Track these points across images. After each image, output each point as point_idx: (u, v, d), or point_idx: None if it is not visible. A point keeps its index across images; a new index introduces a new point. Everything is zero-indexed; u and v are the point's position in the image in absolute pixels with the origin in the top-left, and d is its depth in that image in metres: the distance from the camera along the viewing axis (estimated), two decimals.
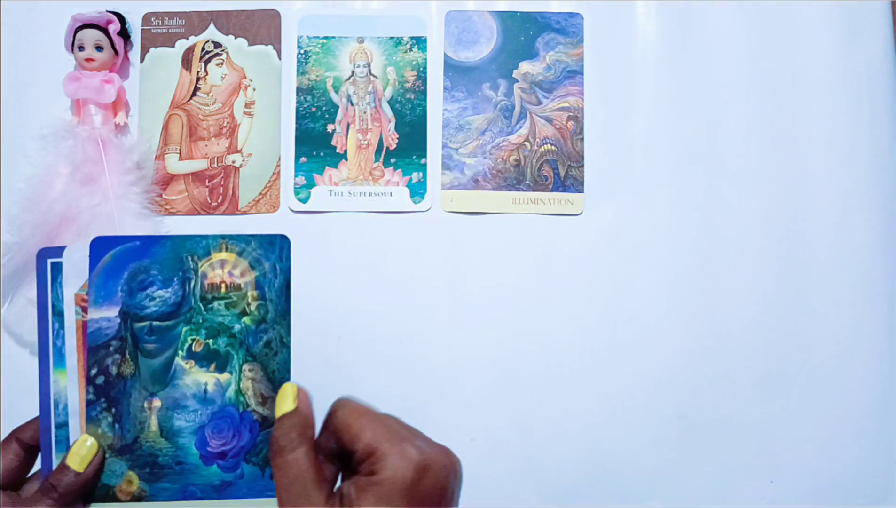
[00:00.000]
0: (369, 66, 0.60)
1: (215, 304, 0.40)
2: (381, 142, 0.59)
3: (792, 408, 0.57)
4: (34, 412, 0.57)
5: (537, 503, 0.56)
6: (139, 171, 0.56)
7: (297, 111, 0.59)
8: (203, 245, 0.40)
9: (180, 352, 0.40)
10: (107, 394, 0.40)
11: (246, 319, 0.40)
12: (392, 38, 0.60)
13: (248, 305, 0.40)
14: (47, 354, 0.40)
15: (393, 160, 0.59)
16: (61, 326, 0.40)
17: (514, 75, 0.60)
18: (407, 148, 0.59)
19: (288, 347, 0.41)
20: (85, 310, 0.40)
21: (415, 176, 0.59)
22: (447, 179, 0.59)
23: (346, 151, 0.59)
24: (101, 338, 0.39)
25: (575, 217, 0.59)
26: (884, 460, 0.57)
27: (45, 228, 0.54)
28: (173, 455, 0.40)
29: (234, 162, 0.59)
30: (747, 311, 0.58)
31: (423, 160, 0.59)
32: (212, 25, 0.60)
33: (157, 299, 0.40)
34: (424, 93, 0.60)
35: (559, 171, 0.59)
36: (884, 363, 0.57)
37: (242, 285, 0.40)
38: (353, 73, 0.60)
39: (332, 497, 0.34)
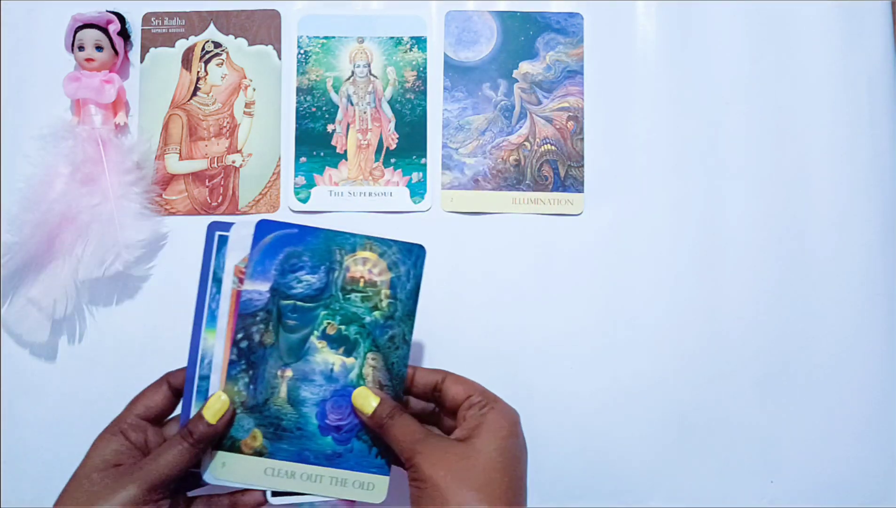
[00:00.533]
0: (369, 66, 0.60)
1: (353, 295, 0.46)
2: (381, 142, 0.59)
3: (792, 408, 0.57)
4: (34, 412, 0.58)
5: (537, 503, 0.56)
6: (139, 171, 0.56)
7: (297, 111, 0.59)
8: (351, 242, 0.46)
9: (316, 332, 0.45)
10: (247, 358, 0.45)
11: (376, 313, 0.46)
12: (392, 38, 0.60)
13: (381, 301, 0.46)
14: (202, 314, 0.45)
15: (393, 160, 0.59)
16: (218, 291, 0.46)
17: (514, 75, 0.60)
18: (407, 148, 0.59)
19: (409, 344, 0.46)
20: (241, 281, 0.45)
21: (415, 176, 0.59)
22: (447, 179, 0.59)
23: (346, 151, 0.59)
24: (251, 308, 0.45)
25: (575, 217, 0.59)
26: (884, 460, 0.57)
27: (45, 228, 0.54)
28: (296, 421, 0.45)
29: (234, 162, 0.59)
30: (747, 311, 0.58)
31: (423, 160, 0.59)
32: (212, 25, 0.60)
33: (304, 283, 0.45)
34: (424, 93, 0.60)
35: (559, 171, 0.59)
36: (884, 363, 0.57)
37: (378, 283, 0.46)
38: (353, 73, 0.60)
39: (445, 436, 0.43)
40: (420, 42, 0.60)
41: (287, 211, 0.58)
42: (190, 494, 0.46)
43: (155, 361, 0.57)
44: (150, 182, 0.57)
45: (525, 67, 0.60)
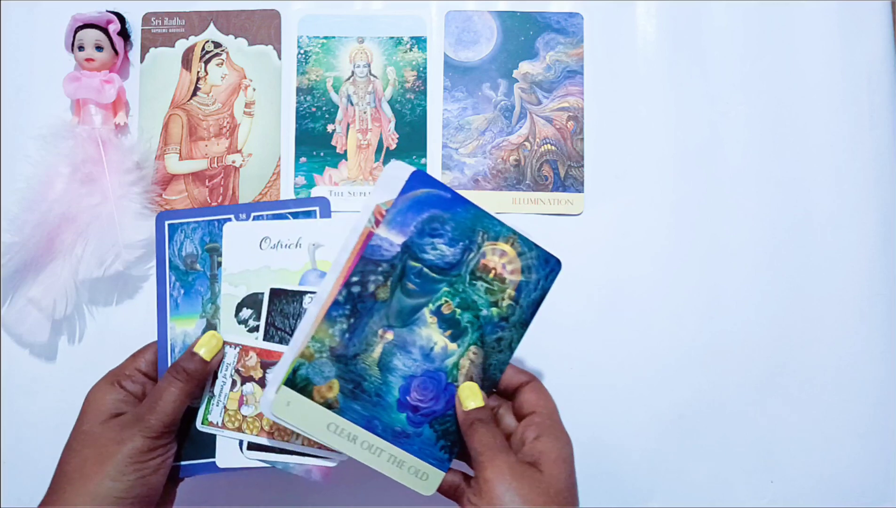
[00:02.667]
0: (369, 66, 0.60)
1: (479, 283, 0.44)
2: (381, 142, 0.59)
3: (792, 408, 0.57)
4: (34, 412, 0.57)
5: None
6: (139, 171, 0.56)
7: (297, 111, 0.59)
8: (497, 229, 0.44)
9: (431, 306, 0.43)
10: (354, 304, 0.42)
11: (494, 310, 0.44)
12: (392, 38, 0.60)
13: (503, 300, 0.44)
14: (165, 303, 0.46)
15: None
16: (177, 279, 0.46)
17: (514, 75, 0.60)
18: (407, 148, 0.59)
19: (512, 352, 0.44)
20: (377, 223, 0.42)
21: None
22: (447, 179, 0.59)
23: (346, 151, 0.59)
24: (376, 254, 0.42)
25: (575, 217, 0.59)
26: (884, 460, 0.57)
27: (45, 228, 0.54)
28: (378, 387, 0.43)
29: (234, 162, 0.59)
30: (747, 311, 0.58)
31: (423, 160, 0.59)
32: (212, 25, 0.60)
33: (439, 252, 0.43)
34: (424, 93, 0.60)
35: (559, 171, 0.59)
36: (884, 364, 0.57)
37: (507, 281, 0.44)
38: (353, 73, 0.60)
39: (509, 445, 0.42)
40: (420, 42, 0.60)
41: None
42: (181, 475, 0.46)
43: None
44: (150, 182, 0.57)
45: (525, 67, 0.60)
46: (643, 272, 0.58)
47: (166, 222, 0.47)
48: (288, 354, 0.42)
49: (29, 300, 0.55)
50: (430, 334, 0.43)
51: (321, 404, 0.42)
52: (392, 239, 0.42)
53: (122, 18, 0.58)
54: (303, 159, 0.59)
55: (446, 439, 0.43)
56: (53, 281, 0.55)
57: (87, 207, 0.55)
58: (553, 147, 0.59)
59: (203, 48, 0.60)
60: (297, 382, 0.42)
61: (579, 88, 0.59)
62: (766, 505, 0.56)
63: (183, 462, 0.45)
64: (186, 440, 0.45)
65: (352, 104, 0.59)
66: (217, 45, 0.60)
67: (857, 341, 0.57)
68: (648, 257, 0.58)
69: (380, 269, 0.42)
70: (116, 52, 0.57)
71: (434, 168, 0.59)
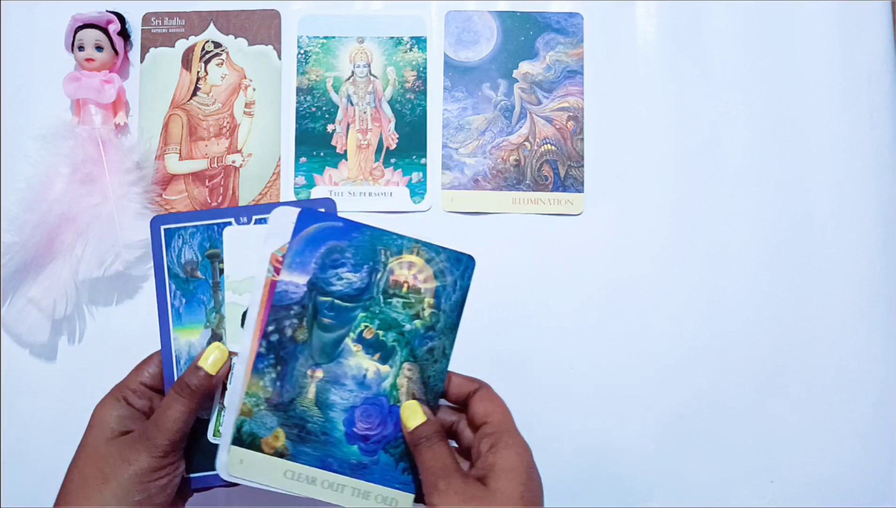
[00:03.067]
0: (369, 66, 0.60)
1: (394, 300, 0.43)
2: (381, 142, 0.59)
3: (792, 408, 0.57)
4: (34, 412, 0.58)
5: None
6: (139, 171, 0.56)
7: (297, 111, 0.59)
8: (398, 243, 0.43)
9: (352, 334, 0.43)
10: (277, 352, 0.42)
11: (417, 322, 0.43)
12: (392, 38, 0.60)
13: (423, 310, 0.43)
14: (167, 313, 0.45)
15: (393, 160, 0.59)
16: (178, 287, 0.45)
17: (514, 75, 0.60)
18: (407, 148, 0.59)
19: (448, 359, 0.43)
20: (277, 271, 0.42)
21: (415, 176, 0.59)
22: (447, 179, 0.59)
23: (346, 151, 0.59)
24: (285, 300, 0.42)
25: (575, 217, 0.59)
26: (884, 460, 0.57)
27: (45, 228, 0.54)
28: (322, 425, 0.42)
29: (234, 162, 0.59)
30: (747, 311, 0.58)
31: (423, 160, 0.59)
32: (212, 25, 0.60)
33: (345, 281, 0.43)
34: (424, 93, 0.60)
35: (559, 171, 0.59)
36: (884, 363, 0.57)
37: (423, 291, 0.43)
38: (353, 73, 0.60)
39: (468, 473, 0.40)
40: (420, 42, 0.60)
41: None
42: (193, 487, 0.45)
43: None
44: (150, 182, 0.57)
45: (525, 67, 0.60)
46: (643, 272, 0.58)
47: (162, 227, 0.45)
48: (228, 415, 0.42)
49: (29, 300, 0.55)
50: (359, 362, 0.43)
51: (272, 454, 0.42)
52: (296, 281, 0.42)
53: (122, 18, 0.58)
54: (303, 159, 0.59)
55: (405, 461, 0.42)
56: (53, 281, 0.55)
57: (87, 207, 0.55)
58: (553, 147, 0.59)
59: (203, 48, 0.60)
60: (244, 439, 0.42)
61: (579, 88, 0.59)
62: (766, 505, 0.56)
63: (192, 475, 0.44)
64: (197, 452, 0.44)
65: (352, 104, 0.59)
66: (217, 45, 0.60)
67: (857, 341, 0.57)
68: (648, 257, 0.58)
69: (292, 313, 0.42)
70: (116, 52, 0.57)
71: (434, 168, 0.59)
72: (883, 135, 0.59)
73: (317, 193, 0.58)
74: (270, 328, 0.42)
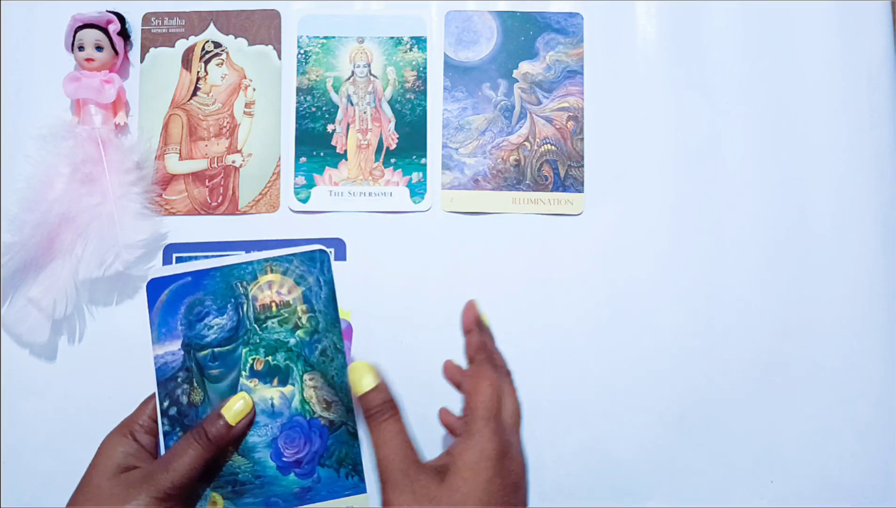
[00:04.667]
0: (369, 66, 0.60)
1: (269, 323, 0.43)
2: (381, 142, 0.59)
3: (792, 408, 0.57)
4: (34, 412, 0.58)
5: (537, 503, 0.56)
6: (139, 171, 0.56)
7: (297, 111, 0.59)
8: (250, 271, 0.43)
9: (244, 372, 0.42)
10: (181, 423, 0.42)
11: (300, 332, 0.43)
12: (392, 38, 0.60)
13: (300, 318, 0.43)
14: None
15: (393, 160, 0.59)
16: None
17: (514, 75, 0.60)
18: (407, 148, 0.59)
19: (342, 352, 0.43)
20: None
21: (415, 176, 0.59)
22: (447, 179, 0.59)
23: (346, 151, 0.59)
24: (168, 372, 0.42)
25: (575, 217, 0.59)
26: (884, 460, 0.57)
27: (45, 228, 0.54)
28: (252, 471, 0.42)
29: (234, 162, 0.59)
30: (747, 310, 0.58)
31: (423, 160, 0.59)
32: (212, 25, 0.60)
33: (215, 327, 0.42)
34: (424, 93, 0.60)
35: (559, 171, 0.59)
36: (884, 363, 0.57)
37: (291, 302, 0.43)
38: (353, 73, 0.60)
39: (426, 465, 0.37)
40: (420, 42, 0.60)
41: (287, 211, 0.58)
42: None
43: None
44: (150, 182, 0.57)
45: (525, 67, 0.60)
46: (643, 272, 0.58)
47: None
48: None
49: (29, 300, 0.55)
50: (261, 394, 0.42)
51: None
52: (170, 349, 0.42)
53: (122, 18, 0.58)
54: (303, 159, 0.59)
55: (345, 466, 0.42)
56: (53, 281, 0.55)
57: (87, 207, 0.55)
58: (553, 147, 0.59)
59: (203, 48, 0.60)
60: None
61: (579, 88, 0.59)
62: (766, 505, 0.56)
63: None
64: None
65: (352, 104, 0.59)
66: (217, 45, 0.60)
67: (857, 340, 0.57)
68: (648, 257, 0.58)
69: (179, 379, 0.42)
70: (116, 52, 0.57)
71: (434, 168, 0.59)
72: (883, 135, 0.59)
73: (317, 193, 0.58)
74: (165, 404, 0.42)
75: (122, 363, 0.57)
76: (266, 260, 0.43)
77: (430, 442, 0.56)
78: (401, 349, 0.57)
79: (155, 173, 0.58)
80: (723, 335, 0.57)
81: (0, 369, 0.57)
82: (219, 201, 0.58)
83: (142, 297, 0.57)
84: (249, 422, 0.41)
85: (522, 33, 0.60)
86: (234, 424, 0.41)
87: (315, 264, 0.43)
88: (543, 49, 0.60)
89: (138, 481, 0.39)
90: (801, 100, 0.59)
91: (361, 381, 0.39)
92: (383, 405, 0.39)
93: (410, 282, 0.57)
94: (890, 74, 0.59)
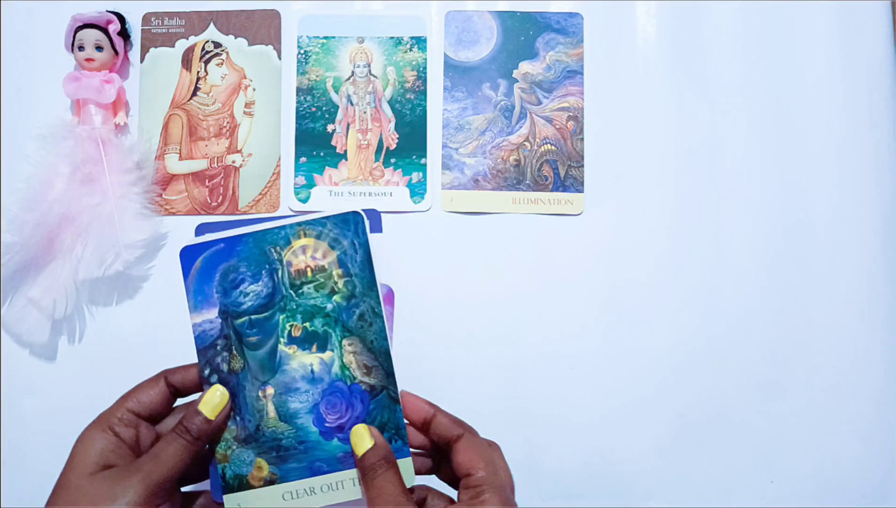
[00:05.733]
0: (369, 66, 0.60)
1: (305, 288, 0.42)
2: (381, 142, 0.59)
3: (792, 408, 0.57)
4: (34, 412, 0.57)
5: (537, 503, 0.56)
6: (139, 171, 0.56)
7: (297, 111, 0.59)
8: (283, 235, 0.42)
9: (282, 339, 0.42)
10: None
11: (336, 297, 0.43)
12: (392, 38, 0.60)
13: (336, 283, 0.43)
14: None
15: (393, 160, 0.59)
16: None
17: (514, 75, 0.60)
18: (407, 148, 0.59)
19: (381, 316, 0.43)
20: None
21: (415, 176, 0.59)
22: (447, 179, 0.59)
23: (346, 151, 0.59)
24: (207, 340, 0.42)
25: (575, 217, 0.59)
26: (884, 460, 0.57)
27: (45, 228, 0.54)
28: (295, 436, 0.42)
29: (234, 162, 0.59)
30: (747, 311, 0.58)
31: (423, 160, 0.59)
32: (212, 25, 0.60)
33: (251, 294, 0.42)
34: (424, 93, 0.60)
35: (559, 171, 0.59)
36: (884, 364, 0.57)
37: (327, 266, 0.42)
38: (353, 73, 0.60)
39: None
40: (420, 42, 0.60)
41: (287, 211, 0.58)
42: (184, 489, 0.44)
43: (155, 361, 0.57)
44: (150, 182, 0.57)
45: (525, 67, 0.60)
46: (643, 272, 0.58)
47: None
48: (211, 469, 0.42)
49: (29, 300, 0.55)
50: (301, 361, 0.42)
51: (263, 485, 0.42)
52: (207, 318, 0.42)
53: (122, 18, 0.58)
54: (303, 159, 0.59)
55: (388, 430, 0.42)
56: (53, 281, 0.55)
57: (87, 207, 0.55)
58: (553, 147, 0.59)
59: (203, 48, 0.60)
60: (232, 484, 0.42)
61: (579, 88, 0.59)
62: (766, 505, 0.56)
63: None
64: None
65: (352, 104, 0.59)
66: (217, 45, 0.60)
67: (857, 341, 0.57)
68: (648, 257, 0.58)
69: (218, 347, 0.42)
70: (116, 52, 0.57)
71: (434, 168, 0.59)
72: (883, 135, 0.59)
73: (317, 193, 0.58)
74: (206, 372, 0.42)
75: (122, 363, 0.57)
76: (299, 224, 0.42)
77: None
78: (400, 348, 0.57)
79: (155, 173, 0.58)
80: (723, 334, 0.57)
81: (0, 369, 0.57)
82: (219, 201, 0.58)
83: (141, 297, 0.57)
84: (227, 413, 0.41)
85: (522, 33, 0.60)
86: (213, 418, 0.41)
87: (349, 226, 0.43)
88: (543, 49, 0.60)
89: (123, 477, 0.38)
90: (801, 100, 0.59)
91: (360, 445, 0.41)
92: (378, 462, 0.40)
93: (410, 282, 0.57)
94: (890, 74, 0.59)
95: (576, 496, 0.56)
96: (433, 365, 0.57)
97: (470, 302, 0.58)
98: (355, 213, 0.43)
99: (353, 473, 0.42)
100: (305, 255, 0.42)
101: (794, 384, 0.57)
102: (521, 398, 0.57)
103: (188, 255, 0.42)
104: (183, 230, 0.58)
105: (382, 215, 0.58)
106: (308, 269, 0.42)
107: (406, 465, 0.42)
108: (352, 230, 0.43)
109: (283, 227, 0.42)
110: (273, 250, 0.42)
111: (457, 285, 0.58)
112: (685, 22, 0.60)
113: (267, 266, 0.42)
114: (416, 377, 0.56)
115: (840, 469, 0.57)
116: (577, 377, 0.57)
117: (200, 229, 0.43)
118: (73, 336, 0.57)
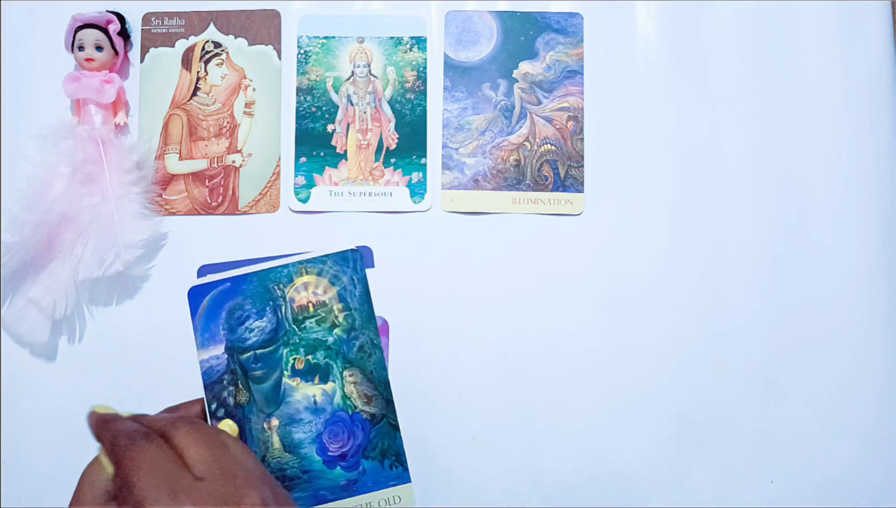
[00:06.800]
0: (369, 66, 0.60)
1: (307, 323, 0.44)
2: (381, 142, 0.59)
3: (792, 408, 0.57)
4: (34, 412, 0.57)
5: (537, 503, 0.56)
6: (139, 171, 0.56)
7: (297, 111, 0.59)
8: (285, 273, 0.44)
9: (286, 372, 0.44)
10: None
11: (337, 330, 0.44)
12: (392, 38, 0.60)
13: (336, 317, 0.45)
14: None
15: (393, 160, 0.59)
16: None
17: (514, 75, 0.60)
18: (407, 148, 0.59)
19: (379, 347, 0.45)
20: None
21: (415, 176, 0.59)
22: (447, 179, 0.59)
23: (346, 151, 0.59)
24: (214, 375, 0.43)
25: (575, 217, 0.59)
26: (884, 460, 0.57)
27: (45, 228, 0.54)
28: (299, 466, 0.43)
29: (234, 162, 0.59)
30: (747, 311, 0.58)
31: (423, 160, 0.59)
32: (212, 25, 0.60)
33: (256, 330, 0.44)
34: (424, 93, 0.60)
35: (559, 171, 0.59)
36: (884, 363, 0.57)
37: (327, 301, 0.45)
38: (353, 73, 0.60)
39: None
40: (420, 42, 0.60)
41: (287, 211, 0.58)
42: None
43: (155, 361, 0.57)
44: (150, 182, 0.57)
45: (525, 67, 0.60)
46: (643, 272, 0.58)
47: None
48: None
49: (29, 300, 0.55)
50: (304, 392, 0.44)
51: None
52: (213, 354, 0.44)
53: (122, 18, 0.58)
54: (303, 159, 0.59)
55: (388, 457, 0.44)
56: (53, 281, 0.55)
57: (87, 207, 0.55)
58: (553, 147, 0.59)
59: (203, 48, 0.60)
60: None
61: (579, 88, 0.59)
62: (765, 506, 0.56)
63: None
64: None
65: (352, 104, 0.59)
66: (217, 45, 0.60)
67: (857, 341, 0.57)
68: (648, 257, 0.58)
69: (225, 382, 0.43)
70: (116, 52, 0.57)
71: (434, 168, 0.59)
72: (883, 135, 0.59)
73: (317, 193, 0.58)
74: (213, 407, 0.43)
75: (122, 363, 0.57)
76: (300, 262, 0.45)
77: (428, 443, 0.56)
78: (400, 348, 0.57)
79: (155, 173, 0.58)
80: (723, 334, 0.57)
81: (0, 369, 0.57)
82: (219, 201, 0.58)
83: (141, 297, 0.57)
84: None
85: (522, 33, 0.60)
86: None
87: (348, 263, 0.45)
88: (543, 49, 0.60)
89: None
90: (801, 100, 0.59)
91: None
92: None
93: (409, 282, 0.57)
94: (890, 74, 0.59)
95: (576, 496, 0.56)
96: (433, 365, 0.57)
97: (470, 302, 0.58)
98: (353, 250, 0.45)
99: (356, 501, 0.43)
100: (307, 291, 0.44)
101: (795, 385, 0.57)
102: (521, 397, 0.57)
103: (196, 295, 0.44)
104: (183, 230, 0.58)
105: (383, 215, 0.59)
106: (310, 304, 0.44)
107: (407, 491, 0.43)
108: (350, 267, 0.45)
109: (286, 265, 0.44)
110: (276, 288, 0.44)
111: (456, 285, 0.58)
112: (685, 22, 0.60)
113: (271, 303, 0.44)
114: (415, 377, 0.57)
115: (840, 469, 0.57)
116: (577, 377, 0.57)
117: (203, 271, 0.45)
118: (73, 336, 0.57)
